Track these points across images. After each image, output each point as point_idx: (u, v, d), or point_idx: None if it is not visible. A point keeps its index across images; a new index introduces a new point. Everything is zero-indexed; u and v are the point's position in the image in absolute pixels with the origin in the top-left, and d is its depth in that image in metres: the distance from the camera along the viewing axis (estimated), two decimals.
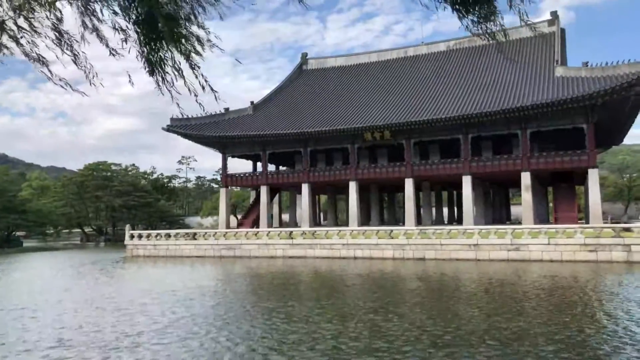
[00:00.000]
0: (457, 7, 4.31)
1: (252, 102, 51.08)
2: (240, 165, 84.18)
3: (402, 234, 33.84)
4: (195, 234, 40.94)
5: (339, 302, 16.83)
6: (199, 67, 5.64)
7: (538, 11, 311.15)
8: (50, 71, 5.96)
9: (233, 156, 50.21)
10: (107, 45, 5.82)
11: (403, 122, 40.50)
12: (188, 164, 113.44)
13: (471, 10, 4.44)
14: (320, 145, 46.19)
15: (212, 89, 5.85)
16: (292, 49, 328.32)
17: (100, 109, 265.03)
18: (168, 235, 41.21)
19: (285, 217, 57.82)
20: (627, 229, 29.71)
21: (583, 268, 26.21)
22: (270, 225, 47.54)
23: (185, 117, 48.17)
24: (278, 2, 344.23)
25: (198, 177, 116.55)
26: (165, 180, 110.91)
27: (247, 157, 51.53)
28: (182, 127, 47.30)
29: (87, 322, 14.17)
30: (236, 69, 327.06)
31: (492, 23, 4.76)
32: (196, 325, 13.28)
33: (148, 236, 42.04)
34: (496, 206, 55.13)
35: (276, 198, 55.01)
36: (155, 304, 17.20)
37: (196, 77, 5.69)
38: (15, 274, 29.89)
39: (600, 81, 36.03)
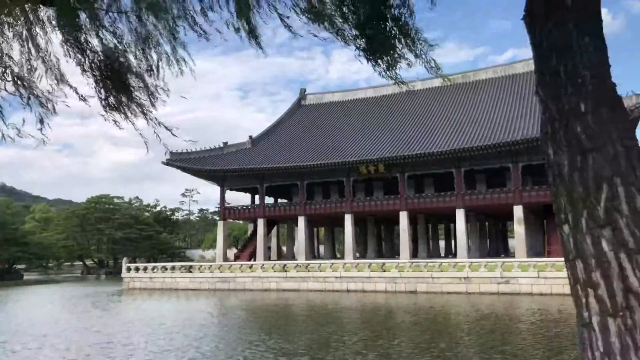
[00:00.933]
0: (365, 55, 4.77)
1: (250, 137, 52.19)
2: (243, 198, 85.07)
3: (394, 267, 34.13)
4: (190, 266, 41.34)
5: (323, 336, 17.13)
6: (150, 112, 6.06)
7: None
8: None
9: (231, 189, 50.98)
10: (76, 92, 6.21)
11: (395, 155, 41.27)
12: (191, 197, 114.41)
13: (378, 58, 4.90)
14: (317, 179, 46.91)
15: (167, 128, 6.20)
16: (297, 82, 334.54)
17: (107, 139, 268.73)
18: (164, 268, 41.61)
19: (285, 249, 58.08)
20: None
21: (571, 302, 26.29)
22: (267, 258, 47.84)
23: (185, 151, 49.33)
24: (284, 36, 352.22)
25: (201, 210, 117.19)
26: (168, 213, 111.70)
27: (245, 190, 52.27)
28: (181, 160, 48.24)
29: (65, 355, 14.56)
30: (243, 102, 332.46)
31: (397, 69, 5.13)
32: (175, 358, 13.65)
33: (145, 269, 42.45)
34: (492, 239, 55.25)
35: (274, 231, 55.42)
36: (139, 335, 17.57)
37: (147, 122, 6.11)
38: (8, 306, 30.30)
39: None
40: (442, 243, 58.47)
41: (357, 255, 59.65)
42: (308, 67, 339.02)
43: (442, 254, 55.40)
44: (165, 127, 6.15)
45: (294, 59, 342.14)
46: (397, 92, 56.09)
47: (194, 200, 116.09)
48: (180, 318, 22.49)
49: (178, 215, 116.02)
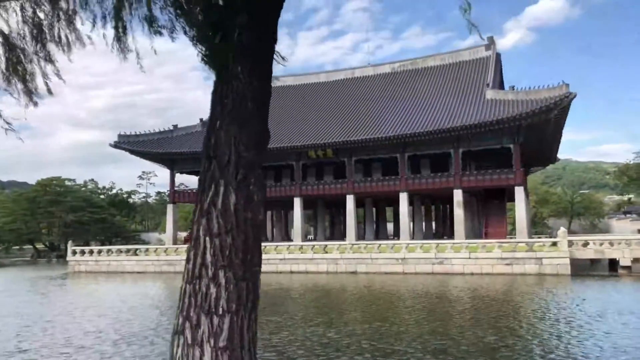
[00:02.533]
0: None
1: (201, 119, 51.89)
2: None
3: (335, 248, 35.14)
4: (137, 249, 41.28)
5: None
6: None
7: (503, 31, 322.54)
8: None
9: (182, 172, 50.83)
10: None
11: (342, 140, 42.09)
12: (149, 179, 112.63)
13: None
14: (267, 162, 47.25)
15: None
16: None
17: (66, 122, 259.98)
18: (110, 251, 41.44)
19: None
20: (554, 244, 31.65)
21: (498, 280, 27.93)
22: None
23: (134, 133, 48.76)
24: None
25: (158, 193, 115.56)
26: (125, 196, 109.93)
27: (196, 174, 52.11)
28: (129, 143, 47.72)
29: None
30: (208, 82, 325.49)
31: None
32: (92, 339, 14.04)
33: (91, 252, 42.15)
34: (438, 222, 57.14)
35: None
36: (64, 318, 17.83)
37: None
38: None
39: (524, 104, 38.39)
40: (390, 225, 60.04)
41: (312, 237, 60.84)
42: None
43: (391, 236, 56.99)
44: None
45: None
46: (349, 77, 56.95)
47: (151, 183, 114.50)
48: (116, 300, 22.77)
49: (135, 198, 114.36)
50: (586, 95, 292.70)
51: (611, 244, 31.23)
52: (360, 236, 50.59)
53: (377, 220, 56.84)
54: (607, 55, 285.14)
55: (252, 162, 3.55)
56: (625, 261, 30.29)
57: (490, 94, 42.19)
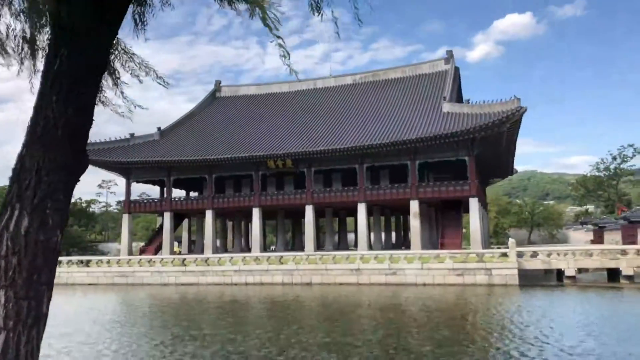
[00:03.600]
0: None
1: (159, 128, 51.14)
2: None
3: (291, 259, 34.92)
4: (88, 260, 40.12)
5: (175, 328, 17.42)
6: None
7: (470, 45, 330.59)
8: None
9: (138, 181, 49.84)
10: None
11: (301, 151, 42.05)
12: (109, 188, 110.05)
13: None
14: (226, 172, 46.83)
15: None
16: (231, 72, 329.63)
17: (24, 128, 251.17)
18: (60, 262, 40.05)
19: (196, 243, 57.55)
20: (504, 254, 32.21)
21: (447, 290, 28.23)
22: (172, 252, 47.29)
23: (89, 141, 47.51)
24: (219, 24, 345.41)
25: (119, 202, 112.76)
26: (84, 205, 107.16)
27: (152, 183, 51.28)
28: None
29: None
30: (173, 90, 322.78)
31: None
32: None
33: None
34: (398, 232, 57.58)
35: (186, 224, 54.81)
36: None
37: None
38: None
39: (479, 118, 39.20)
40: (351, 236, 60.22)
41: (274, 248, 60.35)
42: (243, 57, 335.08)
43: (352, 247, 57.10)
44: None
45: (229, 47, 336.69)
46: (311, 87, 57.19)
47: (111, 192, 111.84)
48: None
49: (95, 208, 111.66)
50: (554, 108, 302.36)
51: (558, 254, 32.04)
52: (320, 247, 50.58)
53: (339, 231, 56.95)
54: (573, 70, 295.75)
55: (54, 187, 3.59)
56: (570, 271, 31.12)
57: (446, 107, 42.95)
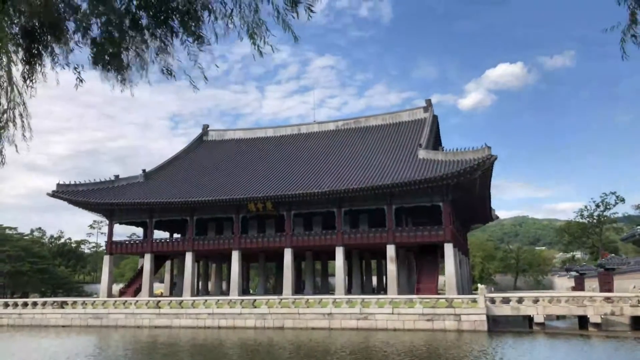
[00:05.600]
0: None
1: (144, 170, 52.04)
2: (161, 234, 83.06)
3: (264, 303, 35.05)
4: (63, 302, 40.04)
5: None
6: None
7: (462, 92, 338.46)
8: None
9: (121, 223, 50.30)
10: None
11: (279, 195, 42.91)
12: (100, 229, 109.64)
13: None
14: (207, 215, 47.44)
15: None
16: (230, 115, 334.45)
17: (23, 165, 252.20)
18: (34, 304, 40.01)
19: (176, 285, 57.37)
20: (474, 300, 32.51)
21: (416, 336, 28.41)
22: (152, 294, 47.20)
23: (73, 182, 48.39)
24: (219, 69, 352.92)
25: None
26: (74, 245, 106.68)
27: (135, 224, 51.76)
28: (68, 193, 47.19)
29: None
30: (173, 132, 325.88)
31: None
32: None
33: (15, 304, 40.57)
34: (379, 276, 57.67)
35: (168, 266, 54.87)
36: None
37: None
38: None
39: (452, 165, 40.36)
40: (332, 279, 60.17)
41: (257, 291, 60.07)
42: (241, 101, 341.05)
43: (332, 291, 57.03)
44: None
45: (228, 91, 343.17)
46: (295, 133, 58.68)
47: (102, 233, 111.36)
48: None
49: (85, 248, 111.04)
50: (545, 155, 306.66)
51: (534, 300, 32.24)
52: (301, 290, 50.61)
53: (321, 275, 57.05)
54: (563, 118, 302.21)
55: None
56: (539, 318, 31.40)
57: (422, 153, 44.20)
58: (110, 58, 6.73)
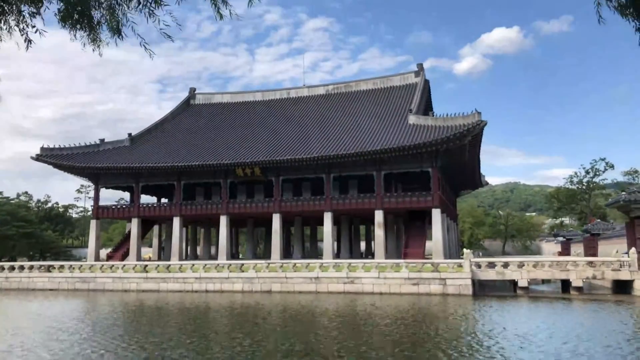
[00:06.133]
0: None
1: (129, 134, 51.23)
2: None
3: (251, 267, 35.15)
4: (50, 266, 39.95)
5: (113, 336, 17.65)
6: None
7: (458, 57, 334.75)
8: None
9: (107, 187, 49.82)
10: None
11: (267, 160, 42.47)
12: (87, 193, 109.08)
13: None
14: (195, 179, 47.03)
15: None
16: (220, 78, 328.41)
17: (11, 129, 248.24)
18: (21, 267, 39.90)
19: (165, 249, 57.45)
20: (460, 265, 32.74)
21: (401, 299, 28.65)
22: (139, 258, 47.22)
23: (57, 146, 47.58)
24: (208, 31, 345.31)
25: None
26: (61, 210, 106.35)
27: (121, 189, 51.31)
28: (52, 156, 46.45)
29: None
30: (161, 95, 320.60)
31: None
32: None
33: (1, 268, 40.43)
34: (368, 241, 58.01)
35: (156, 231, 54.76)
36: None
37: None
38: None
39: (442, 130, 39.97)
40: (321, 245, 60.53)
41: (245, 255, 60.39)
42: (231, 64, 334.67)
43: (321, 256, 57.41)
44: None
45: (218, 54, 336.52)
46: (284, 97, 57.74)
47: (89, 197, 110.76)
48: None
49: (72, 213, 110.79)
50: (540, 121, 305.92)
51: (518, 265, 32.58)
52: (288, 255, 50.86)
53: (310, 240, 57.29)
54: (560, 84, 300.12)
55: None
56: (523, 282, 31.78)
57: (412, 119, 43.71)
58: (79, 15, 6.44)
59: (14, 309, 27.98)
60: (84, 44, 6.58)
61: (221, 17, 6.13)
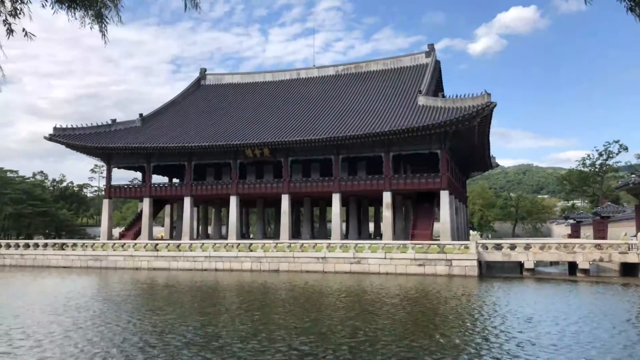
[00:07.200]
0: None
1: (141, 115, 51.64)
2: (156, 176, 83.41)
3: (260, 247, 35.67)
4: (64, 244, 40.87)
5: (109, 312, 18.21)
6: None
7: (473, 37, 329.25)
8: None
9: (119, 167, 50.48)
10: None
11: (277, 141, 42.64)
12: (101, 173, 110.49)
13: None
14: (205, 160, 47.43)
15: None
16: (232, 59, 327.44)
17: (27, 109, 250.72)
18: (36, 245, 40.88)
19: (176, 229, 58.27)
20: (466, 246, 32.93)
21: (407, 279, 28.97)
22: (151, 237, 48.05)
23: (70, 126, 48.18)
24: (221, 11, 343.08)
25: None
26: (76, 189, 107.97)
27: (133, 169, 51.95)
28: (65, 136, 47.08)
29: None
30: (175, 76, 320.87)
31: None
32: None
33: (16, 245, 41.47)
34: (376, 222, 58.25)
35: (168, 210, 55.51)
36: None
37: None
38: None
39: (452, 111, 39.74)
40: (330, 225, 60.93)
41: (256, 235, 61.08)
42: (244, 44, 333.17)
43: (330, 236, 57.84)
44: None
45: (231, 34, 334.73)
46: (294, 78, 57.61)
47: (103, 177, 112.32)
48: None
49: (87, 192, 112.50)
50: (554, 103, 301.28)
51: (525, 247, 32.67)
52: (297, 236, 51.35)
53: (320, 220, 57.70)
54: (575, 66, 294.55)
55: None
56: (529, 264, 31.89)
57: (422, 100, 43.47)
58: None
59: (31, 286, 28.79)
60: (90, 26, 6.68)
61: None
